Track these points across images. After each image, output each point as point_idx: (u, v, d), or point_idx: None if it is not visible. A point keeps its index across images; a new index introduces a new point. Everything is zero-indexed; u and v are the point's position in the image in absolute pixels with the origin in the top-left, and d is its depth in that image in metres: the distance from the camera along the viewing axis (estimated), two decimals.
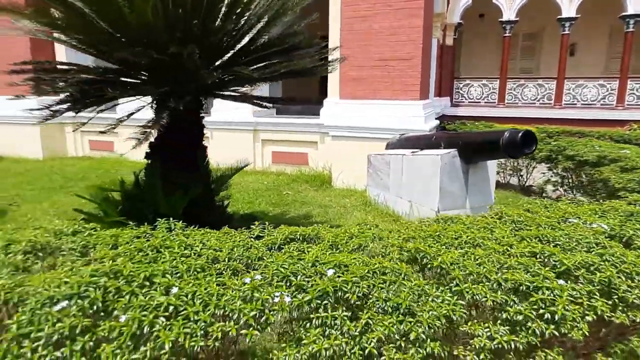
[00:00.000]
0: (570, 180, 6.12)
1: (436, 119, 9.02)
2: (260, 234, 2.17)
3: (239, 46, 3.53)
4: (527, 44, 17.17)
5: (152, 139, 4.03)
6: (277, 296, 1.49)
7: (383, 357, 1.51)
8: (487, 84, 15.29)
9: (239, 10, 3.10)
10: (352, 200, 6.78)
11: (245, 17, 3.22)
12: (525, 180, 7.44)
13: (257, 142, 8.91)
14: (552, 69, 15.66)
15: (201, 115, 4.04)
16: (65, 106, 4.01)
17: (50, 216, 5.71)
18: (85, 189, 7.04)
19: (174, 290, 1.50)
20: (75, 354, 1.39)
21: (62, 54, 10.41)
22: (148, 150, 3.98)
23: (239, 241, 1.95)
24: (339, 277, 1.62)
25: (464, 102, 15.25)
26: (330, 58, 3.98)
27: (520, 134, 4.31)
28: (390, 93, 7.18)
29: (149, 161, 3.94)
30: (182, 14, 2.96)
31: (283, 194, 7.11)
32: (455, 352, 1.63)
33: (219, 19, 3.12)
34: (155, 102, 3.61)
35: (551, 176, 6.56)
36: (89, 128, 10.23)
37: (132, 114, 4.00)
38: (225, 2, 3.01)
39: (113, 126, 3.73)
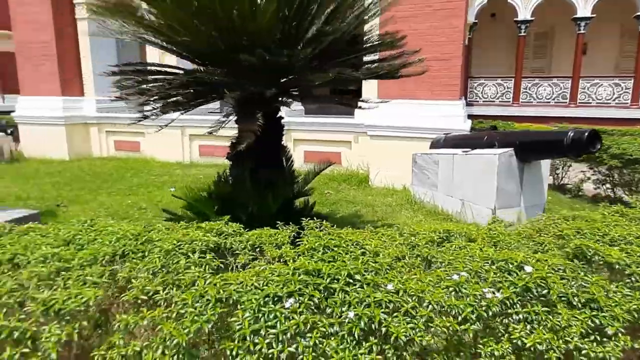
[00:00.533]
0: (613, 179, 6.23)
1: None
2: (404, 232, 2.23)
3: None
4: (539, 43, 17.29)
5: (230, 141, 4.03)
6: (487, 292, 1.55)
7: (584, 351, 1.57)
8: (501, 83, 15.41)
9: (341, 11, 3.14)
10: (394, 198, 6.85)
11: (348, 18, 3.27)
12: (560, 178, 7.54)
13: (289, 141, 8.94)
14: (563, 68, 15.83)
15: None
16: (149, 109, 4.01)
17: (104, 217, 5.72)
18: (131, 187, 7.05)
19: (389, 286, 1.55)
20: (306, 350, 1.44)
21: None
22: (229, 152, 3.99)
23: (401, 239, 2.00)
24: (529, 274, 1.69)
25: (478, 101, 15.35)
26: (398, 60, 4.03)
27: (586, 134, 4.40)
28: (429, 93, 7.25)
29: (231, 162, 3.95)
30: (294, 16, 3.01)
31: (324, 194, 7.16)
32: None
33: (324, 21, 3.16)
34: (242, 104, 3.61)
35: (592, 174, 6.67)
36: (114, 129, 10.25)
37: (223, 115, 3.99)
38: (332, 5, 3.07)
39: (217, 128, 3.72)
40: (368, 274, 1.68)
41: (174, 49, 3.48)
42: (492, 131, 5.80)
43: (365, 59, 3.76)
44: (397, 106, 7.34)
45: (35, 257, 1.78)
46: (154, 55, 9.06)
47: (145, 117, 3.89)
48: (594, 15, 13.44)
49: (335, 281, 1.62)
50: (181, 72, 3.58)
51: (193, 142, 9.84)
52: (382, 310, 1.50)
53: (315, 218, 2.37)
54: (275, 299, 1.54)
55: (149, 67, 3.84)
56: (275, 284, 1.59)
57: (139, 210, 6.13)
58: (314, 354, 1.45)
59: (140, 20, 3.10)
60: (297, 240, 2.00)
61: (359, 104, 4.05)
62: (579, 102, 14.23)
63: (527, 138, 5.21)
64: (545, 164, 5.42)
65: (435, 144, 6.51)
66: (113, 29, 3.45)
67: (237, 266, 1.83)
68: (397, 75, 3.66)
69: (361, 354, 1.44)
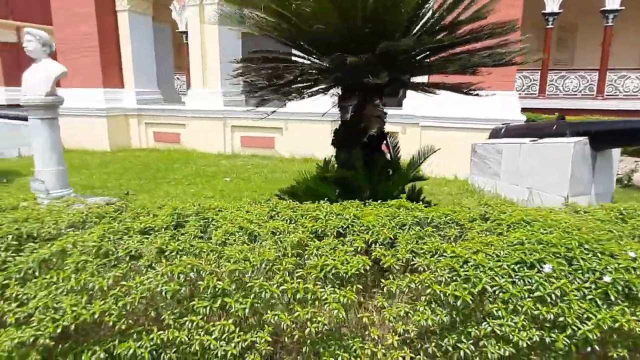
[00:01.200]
0: None
1: None
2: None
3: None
4: (562, 35, 17.30)
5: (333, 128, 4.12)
6: None
7: None
8: (527, 75, 15.48)
9: None
10: (451, 188, 6.95)
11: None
12: None
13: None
14: (587, 60, 15.90)
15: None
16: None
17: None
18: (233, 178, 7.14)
19: (632, 254, 1.66)
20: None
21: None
22: (334, 138, 4.08)
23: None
24: None
25: None
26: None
27: None
28: (486, 83, 7.31)
29: (337, 148, 4.04)
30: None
31: None
32: None
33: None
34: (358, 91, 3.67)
35: None
36: (154, 120, 10.33)
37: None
38: None
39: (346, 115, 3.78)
40: (596, 244, 1.78)
41: (296, 40, 3.52)
42: (560, 121, 5.89)
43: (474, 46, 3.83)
44: (451, 97, 7.42)
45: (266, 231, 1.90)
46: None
47: (260, 105, 3.92)
48: (622, 7, 13.49)
49: (570, 250, 1.72)
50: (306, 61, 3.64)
51: (235, 133, 9.92)
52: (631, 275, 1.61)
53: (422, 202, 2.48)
54: (528, 265, 1.64)
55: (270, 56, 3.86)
56: (519, 252, 1.70)
57: (208, 198, 6.23)
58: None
59: (272, 10, 3.17)
60: None
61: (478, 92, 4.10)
62: (606, 95, 14.31)
63: (603, 127, 5.31)
64: (616, 153, 5.52)
65: (495, 134, 6.60)
66: (234, 19, 3.51)
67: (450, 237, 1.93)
68: (510, 63, 3.74)
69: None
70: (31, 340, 1.65)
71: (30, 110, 4.85)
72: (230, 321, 1.59)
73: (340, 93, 3.98)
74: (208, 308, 1.59)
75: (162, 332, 1.64)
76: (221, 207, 2.33)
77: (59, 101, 4.90)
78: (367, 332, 1.61)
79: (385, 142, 4.05)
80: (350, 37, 3.06)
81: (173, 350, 1.66)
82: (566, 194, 5.31)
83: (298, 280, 1.58)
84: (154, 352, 1.64)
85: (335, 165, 4.13)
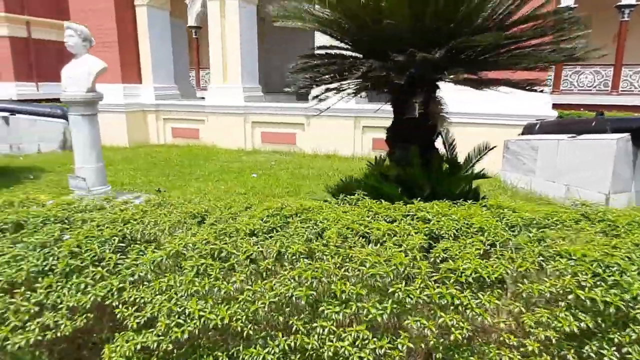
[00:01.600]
0: None
1: None
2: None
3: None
4: None
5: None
6: None
7: None
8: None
9: None
10: (481, 184, 6.89)
11: None
12: None
13: (357, 129, 8.98)
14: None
15: None
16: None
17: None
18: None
19: None
20: None
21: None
22: (388, 135, 4.02)
23: None
24: None
25: None
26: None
27: None
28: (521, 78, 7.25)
29: (391, 145, 3.99)
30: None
31: None
32: None
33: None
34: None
35: None
36: (172, 116, 10.27)
37: None
38: None
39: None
40: None
41: (357, 36, 3.45)
42: (599, 117, 5.84)
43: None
44: (483, 93, 7.36)
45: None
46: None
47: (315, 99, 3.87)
48: (638, 3, 13.42)
49: None
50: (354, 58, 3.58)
51: (255, 129, 9.86)
52: None
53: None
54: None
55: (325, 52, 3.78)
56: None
57: (240, 195, 6.19)
58: None
59: (334, 5, 3.11)
60: None
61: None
62: (621, 90, 14.26)
63: None
64: None
65: (528, 130, 6.55)
66: (293, 14, 3.45)
67: None
68: (576, 59, 3.68)
69: None
70: (155, 345, 1.61)
71: (71, 107, 4.79)
72: (363, 327, 1.55)
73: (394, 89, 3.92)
74: (341, 314, 1.55)
75: (287, 338, 1.61)
76: (312, 208, 2.28)
77: (99, 97, 4.84)
78: (501, 338, 1.57)
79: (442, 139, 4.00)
80: (420, 33, 3.00)
81: (298, 357, 1.62)
82: (607, 191, 5.27)
83: (437, 284, 1.54)
84: (279, 359, 1.60)
85: (387, 163, 4.08)
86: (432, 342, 1.54)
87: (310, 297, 1.58)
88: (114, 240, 1.88)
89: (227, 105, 9.80)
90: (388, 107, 8.95)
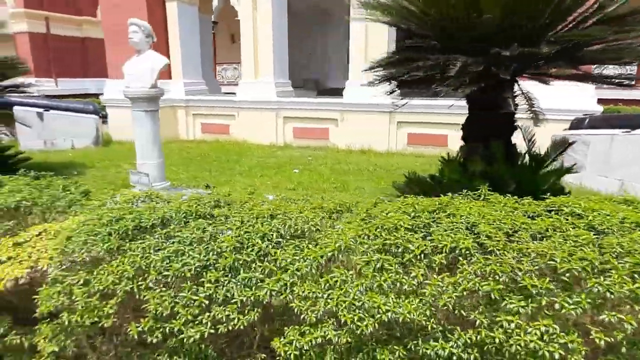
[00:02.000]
0: None
1: None
2: None
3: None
4: None
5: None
6: None
7: None
8: None
9: None
10: None
11: None
12: None
13: (392, 124, 8.96)
14: None
15: None
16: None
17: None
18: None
19: None
20: None
21: None
22: (464, 130, 4.01)
23: None
24: None
25: None
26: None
27: None
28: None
29: (468, 141, 3.98)
30: None
31: None
32: None
33: None
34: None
35: None
36: (202, 111, 10.27)
37: None
38: None
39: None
40: None
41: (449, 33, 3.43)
42: None
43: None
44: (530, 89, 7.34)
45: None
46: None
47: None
48: None
49: None
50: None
51: (287, 124, 9.85)
52: None
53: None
54: None
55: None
56: None
57: (290, 190, 6.20)
58: None
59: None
60: None
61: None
62: None
63: None
64: None
65: (577, 125, 6.52)
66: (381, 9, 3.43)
67: None
68: None
69: None
70: (336, 339, 1.63)
71: (134, 103, 4.80)
72: (550, 321, 1.55)
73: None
74: (528, 308, 1.55)
75: (466, 331, 1.61)
76: (444, 203, 2.26)
77: (160, 93, 4.84)
78: None
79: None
80: (519, 27, 2.98)
81: (475, 351, 1.63)
82: None
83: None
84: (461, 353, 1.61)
85: (462, 159, 4.07)
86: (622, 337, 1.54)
87: (498, 290, 1.58)
88: (272, 235, 1.89)
89: (259, 101, 9.79)
90: (420, 102, 8.91)
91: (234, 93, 13.06)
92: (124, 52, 10.21)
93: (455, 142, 8.60)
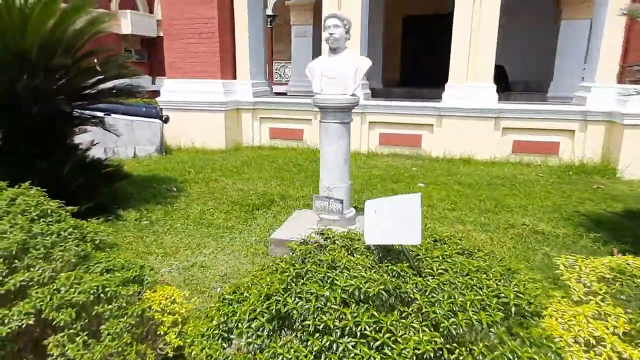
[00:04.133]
0: None
1: None
2: None
3: None
4: None
5: None
6: None
7: None
8: None
9: None
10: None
11: None
12: None
13: (497, 130, 8.28)
14: None
15: None
16: None
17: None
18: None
19: None
20: None
21: None
22: None
23: None
24: None
25: None
26: None
27: None
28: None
29: None
30: None
31: (593, 188, 6.58)
32: None
33: None
34: None
35: None
36: (270, 115, 9.36)
37: None
38: None
39: None
40: None
41: None
42: None
43: None
44: None
45: None
46: None
47: None
48: None
49: None
50: None
51: (372, 130, 9.04)
52: None
53: None
54: None
55: None
56: None
57: (454, 211, 5.40)
58: None
59: None
60: None
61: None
62: None
63: None
64: None
65: None
66: None
67: None
68: None
69: None
70: None
71: (327, 113, 3.93)
72: None
73: None
74: None
75: None
76: None
77: (357, 101, 3.97)
78: None
79: None
80: None
81: None
82: None
83: None
84: None
85: None
86: None
87: None
88: None
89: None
90: (530, 107, 8.18)
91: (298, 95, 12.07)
92: (187, 48, 9.20)
93: (571, 149, 8.02)
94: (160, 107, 9.42)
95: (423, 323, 1.39)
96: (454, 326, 1.33)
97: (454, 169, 7.73)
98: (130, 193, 5.88)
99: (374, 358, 1.29)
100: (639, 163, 7.08)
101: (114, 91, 4.93)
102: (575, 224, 4.96)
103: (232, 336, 1.59)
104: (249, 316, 1.53)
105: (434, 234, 4.04)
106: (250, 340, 1.47)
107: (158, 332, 1.95)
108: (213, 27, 8.89)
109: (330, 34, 3.76)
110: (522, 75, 14.06)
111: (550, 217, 5.24)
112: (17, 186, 2.47)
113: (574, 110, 7.87)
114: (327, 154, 4.02)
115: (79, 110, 5.06)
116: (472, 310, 1.37)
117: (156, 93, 10.51)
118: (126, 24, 18.25)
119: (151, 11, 19.80)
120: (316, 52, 14.63)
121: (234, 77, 9.69)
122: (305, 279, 1.59)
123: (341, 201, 3.97)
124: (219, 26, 8.91)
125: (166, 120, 9.03)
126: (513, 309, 1.41)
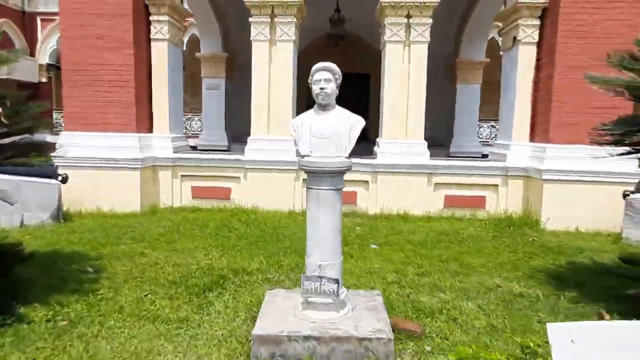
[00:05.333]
0: None
1: None
2: None
3: None
4: None
5: None
6: None
7: None
8: (494, 125, 17.01)
9: None
10: (596, 244, 6.87)
11: None
12: None
13: (430, 185, 8.45)
14: None
15: None
16: None
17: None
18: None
19: None
20: None
21: None
22: None
23: None
24: None
25: None
26: None
27: None
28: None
29: None
30: None
31: (530, 241, 6.88)
32: None
33: None
34: None
35: None
36: (192, 172, 8.56)
37: None
38: None
39: None
40: None
41: None
42: None
43: None
44: (571, 150, 7.56)
45: None
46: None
47: None
48: None
49: None
50: None
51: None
52: None
53: None
54: None
55: None
56: None
57: (420, 273, 5.05)
58: None
59: None
60: None
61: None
62: None
63: None
64: None
65: None
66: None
67: None
68: None
69: None
70: None
71: (316, 178, 3.37)
72: None
73: None
74: None
75: None
76: None
77: (351, 164, 3.50)
78: None
79: None
80: None
81: None
82: None
83: None
84: None
85: None
86: None
87: None
88: None
89: (274, 160, 8.41)
90: (459, 164, 8.52)
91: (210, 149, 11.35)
92: (94, 98, 7.99)
93: (495, 202, 8.46)
94: (57, 164, 7.88)
95: None
96: None
97: (397, 227, 7.57)
98: (30, 279, 4.49)
99: None
100: (557, 215, 7.66)
101: (23, 148, 3.76)
102: (541, 282, 4.96)
103: None
104: None
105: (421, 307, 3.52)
106: None
107: None
108: (128, 76, 7.88)
109: (321, 88, 3.30)
110: (430, 132, 15.09)
111: (514, 275, 5.19)
112: None
113: (497, 166, 8.40)
114: (319, 226, 3.41)
115: None
116: None
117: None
118: None
119: (32, 54, 17.59)
120: (228, 106, 14.11)
121: (151, 131, 8.63)
122: None
123: (336, 281, 3.36)
124: (135, 75, 7.93)
125: (64, 180, 7.53)
126: None
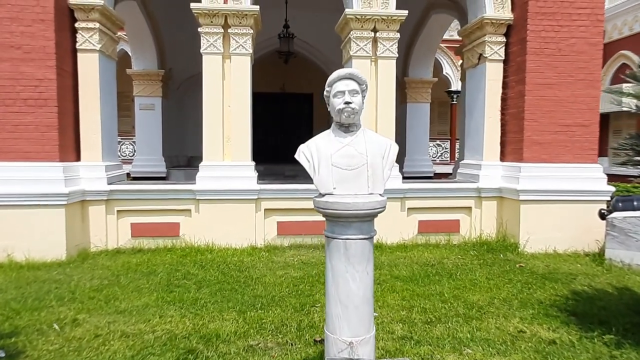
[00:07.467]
0: None
1: None
2: None
3: None
4: (443, 110, 20.02)
5: None
6: None
7: None
8: (440, 144, 17.16)
9: None
10: (582, 266, 6.62)
11: None
12: None
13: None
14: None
15: None
16: None
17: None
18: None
19: None
20: None
21: None
22: None
23: None
24: None
25: None
26: None
27: None
28: (571, 157, 7.55)
29: None
30: None
31: (518, 267, 6.44)
32: None
33: None
34: None
35: None
36: (131, 206, 7.28)
37: None
38: None
39: None
40: None
41: None
42: None
43: None
44: (542, 169, 7.37)
45: None
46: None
47: None
48: None
49: None
50: None
51: (269, 218, 7.61)
52: None
53: None
54: None
55: None
56: None
57: (427, 321, 4.27)
58: None
59: None
60: None
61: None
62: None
63: None
64: None
65: (623, 206, 6.69)
66: None
67: None
68: None
69: None
70: None
71: (348, 225, 2.47)
72: None
73: None
74: None
75: None
76: None
77: (385, 204, 2.64)
78: None
79: None
80: None
81: None
82: None
83: None
84: None
85: None
86: None
87: None
88: None
89: (230, 190, 7.33)
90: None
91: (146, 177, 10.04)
92: (12, 119, 6.43)
93: (471, 225, 8.03)
94: None
95: None
96: None
97: (376, 260, 6.81)
98: None
99: None
100: (535, 237, 7.37)
101: None
102: (562, 321, 4.41)
103: None
104: None
105: None
106: None
107: None
108: (49, 93, 6.44)
109: (347, 103, 2.45)
110: None
111: (529, 314, 4.61)
112: None
113: (470, 187, 8.00)
114: (348, 289, 2.50)
115: None
116: None
117: None
118: None
119: None
120: (166, 128, 12.79)
121: (78, 159, 7.18)
122: None
123: None
124: (57, 92, 6.52)
125: None
126: None
